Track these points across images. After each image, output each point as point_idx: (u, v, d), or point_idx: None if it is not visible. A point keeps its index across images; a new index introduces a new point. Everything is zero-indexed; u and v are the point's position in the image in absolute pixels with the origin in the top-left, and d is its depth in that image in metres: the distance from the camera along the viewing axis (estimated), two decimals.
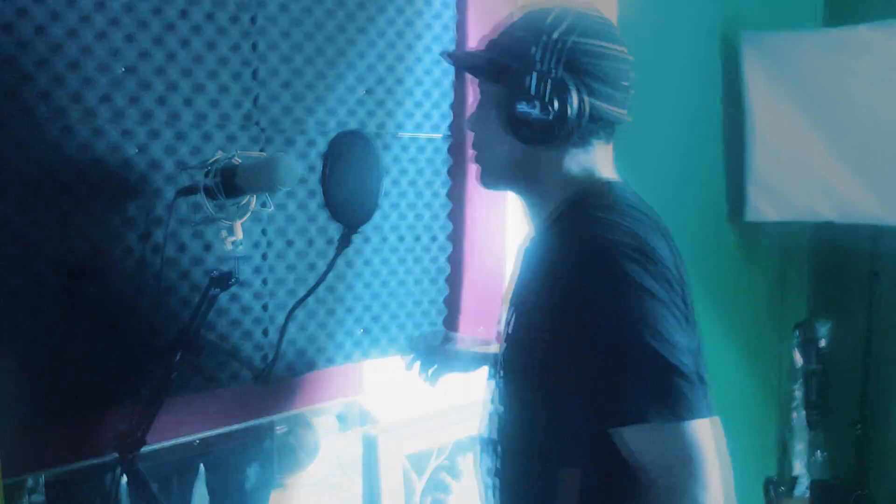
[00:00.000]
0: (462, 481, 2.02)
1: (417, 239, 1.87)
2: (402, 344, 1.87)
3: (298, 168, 1.37)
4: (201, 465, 1.95)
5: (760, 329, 3.00)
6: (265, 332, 1.64)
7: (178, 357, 1.42)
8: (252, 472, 2.01)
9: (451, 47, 1.87)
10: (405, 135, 1.81)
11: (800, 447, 2.93)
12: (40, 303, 1.34)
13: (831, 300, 3.04)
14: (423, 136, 1.85)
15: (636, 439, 0.95)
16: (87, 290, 1.38)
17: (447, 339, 1.49)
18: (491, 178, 1.19)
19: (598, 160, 1.12)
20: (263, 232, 1.61)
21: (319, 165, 1.64)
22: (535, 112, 1.04)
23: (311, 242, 1.68)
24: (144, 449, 1.40)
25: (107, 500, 1.61)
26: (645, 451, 0.94)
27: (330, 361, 1.75)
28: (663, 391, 0.93)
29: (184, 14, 1.46)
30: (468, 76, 1.82)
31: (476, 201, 1.94)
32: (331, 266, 1.35)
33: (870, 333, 2.79)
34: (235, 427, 1.70)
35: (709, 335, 1.19)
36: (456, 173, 1.92)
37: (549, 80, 1.03)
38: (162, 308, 1.48)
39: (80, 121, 1.36)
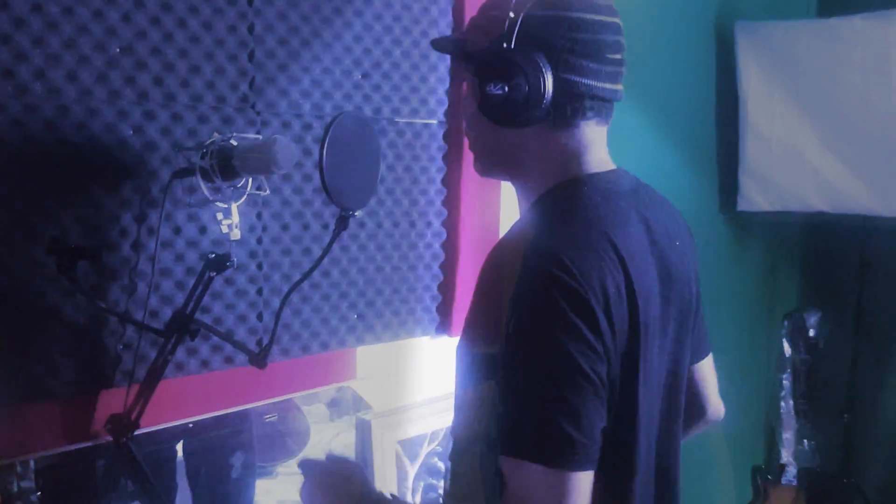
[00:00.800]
0: None
1: (413, 225, 1.87)
2: (397, 330, 1.87)
3: (295, 151, 1.36)
4: (189, 447, 1.96)
5: (751, 318, 3.03)
6: (260, 317, 1.64)
7: (173, 340, 1.42)
8: (236, 460, 2.02)
9: (448, 32, 1.87)
10: (401, 120, 1.81)
11: (788, 436, 2.95)
12: (35, 284, 1.33)
13: (821, 290, 3.06)
14: (419, 121, 1.85)
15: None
16: (83, 272, 1.37)
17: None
18: (481, 165, 1.17)
19: (588, 144, 1.06)
20: (259, 216, 1.61)
21: (315, 149, 1.63)
22: (501, 92, 0.98)
23: (306, 226, 1.68)
24: (137, 432, 1.40)
25: (100, 482, 1.61)
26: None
27: (324, 346, 1.75)
28: (551, 436, 0.91)
29: None
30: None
31: (471, 188, 1.94)
32: (327, 249, 1.35)
33: (859, 324, 2.82)
34: (228, 411, 1.70)
35: None
36: (451, 159, 1.92)
37: (514, 57, 0.98)
38: (157, 290, 1.47)
39: (75, 100, 1.35)
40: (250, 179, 1.45)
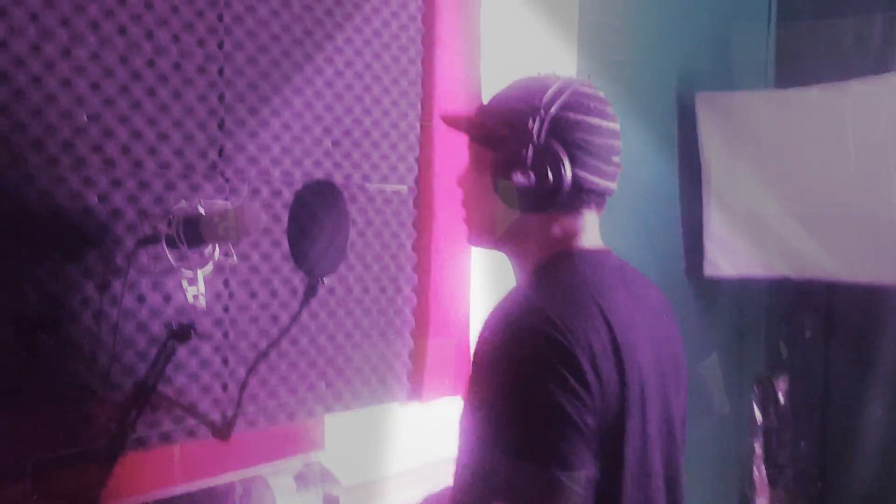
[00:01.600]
0: None
1: (383, 290, 1.86)
2: (366, 399, 1.83)
3: (263, 217, 1.35)
4: None
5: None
6: (225, 387, 1.59)
7: (134, 413, 1.37)
8: None
9: (417, 103, 1.89)
10: (371, 186, 1.82)
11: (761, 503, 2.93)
12: None
13: (789, 355, 3.08)
14: (389, 188, 1.85)
15: None
16: (43, 343, 1.33)
17: None
18: (478, 238, 1.23)
19: (584, 227, 1.16)
20: (226, 283, 1.58)
21: (284, 216, 1.63)
22: (527, 182, 1.08)
23: (274, 293, 1.65)
24: None
25: None
26: None
27: (291, 417, 1.70)
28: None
29: (151, 63, 1.45)
30: (441, 132, 1.86)
31: (442, 254, 1.94)
32: (296, 318, 1.34)
33: (828, 388, 2.84)
34: (193, 489, 1.63)
35: None
36: (422, 226, 1.92)
37: (543, 153, 1.08)
38: (118, 361, 1.43)
39: (40, 168, 1.33)
40: (217, 246, 1.43)
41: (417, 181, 1.91)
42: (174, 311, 1.49)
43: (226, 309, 1.59)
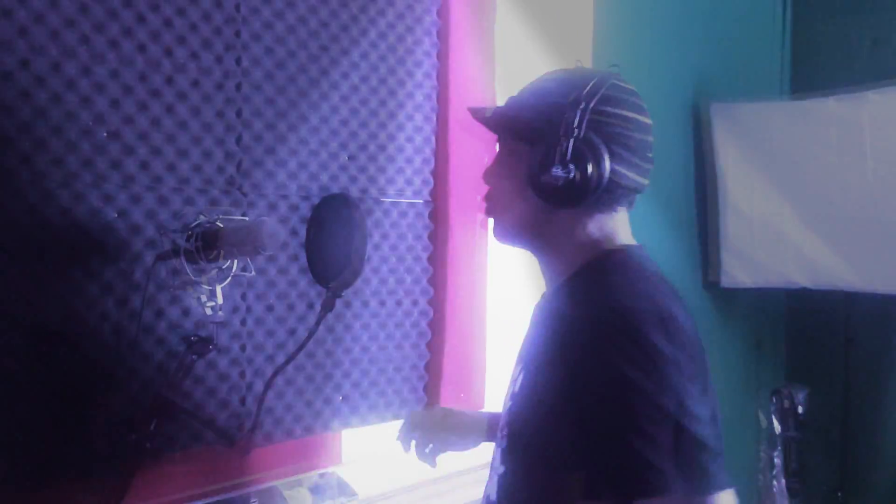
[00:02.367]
0: None
1: (399, 304, 1.86)
2: (383, 412, 1.83)
3: (281, 232, 1.36)
4: None
5: (737, 396, 3.00)
6: (242, 401, 1.60)
7: (152, 426, 1.38)
8: None
9: (433, 116, 1.90)
10: (387, 199, 1.82)
11: None
12: (13, 369, 1.30)
13: (807, 366, 3.05)
14: (405, 200, 1.86)
15: None
16: (62, 358, 1.34)
17: (446, 415, 1.45)
18: (507, 234, 1.18)
19: (619, 226, 1.13)
20: (243, 297, 1.59)
21: (302, 230, 1.64)
22: (567, 176, 1.05)
23: (291, 307, 1.66)
24: None
25: None
26: None
27: (308, 430, 1.71)
28: (689, 465, 0.92)
29: (169, 80, 1.47)
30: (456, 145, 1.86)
31: (458, 266, 1.94)
32: (313, 332, 1.34)
33: (847, 399, 2.81)
34: (210, 501, 1.64)
35: None
36: (438, 238, 1.92)
37: (584, 147, 1.05)
38: (137, 375, 1.44)
39: (60, 185, 1.35)
40: (235, 261, 1.44)
41: (433, 194, 1.91)
42: (192, 325, 1.50)
43: (243, 322, 1.60)
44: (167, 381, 1.41)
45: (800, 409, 2.90)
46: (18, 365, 1.30)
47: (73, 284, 1.37)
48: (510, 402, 1.12)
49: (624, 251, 1.11)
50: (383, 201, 1.82)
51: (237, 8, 1.56)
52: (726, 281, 2.72)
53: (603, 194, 1.08)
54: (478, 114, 1.18)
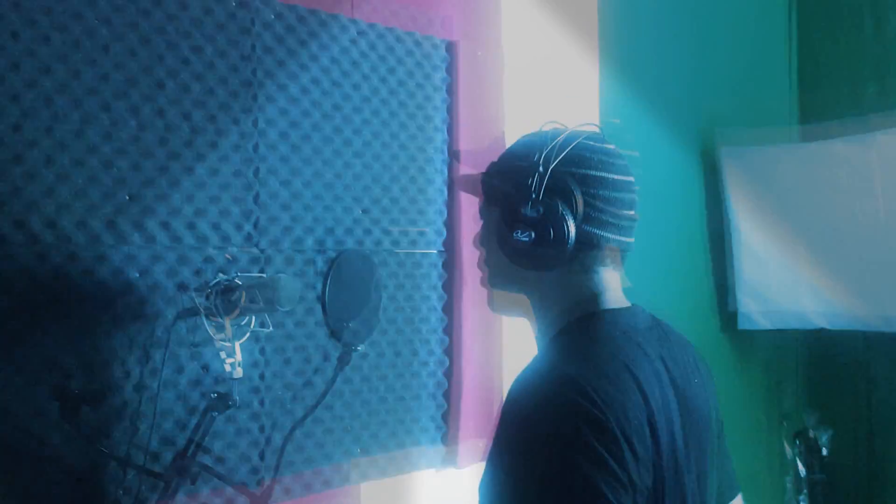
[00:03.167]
0: None
1: (415, 354, 1.88)
2: (401, 464, 1.83)
3: (297, 288, 1.39)
4: None
5: (760, 439, 2.97)
6: (262, 455, 1.61)
7: (173, 484, 1.39)
8: None
9: (444, 169, 1.94)
10: (401, 251, 1.85)
11: None
12: (36, 429, 1.32)
13: (829, 407, 3.02)
14: (418, 252, 1.89)
15: None
16: (85, 414, 1.36)
17: None
18: (495, 304, 1.20)
19: (605, 286, 1.10)
20: (261, 351, 1.62)
21: (318, 284, 1.67)
22: (528, 239, 1.05)
23: (308, 360, 1.68)
24: None
25: None
26: None
27: (327, 484, 1.71)
28: None
29: (189, 144, 1.51)
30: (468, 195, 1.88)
31: (472, 315, 1.95)
32: (330, 385, 1.36)
33: (871, 440, 2.77)
34: None
35: None
36: (451, 288, 1.95)
37: (544, 209, 1.04)
38: (158, 431, 1.46)
39: (84, 247, 1.39)
40: (254, 316, 1.47)
41: (446, 244, 1.94)
42: (212, 380, 1.52)
43: (262, 377, 1.62)
44: (188, 437, 1.43)
45: (824, 451, 2.86)
46: (43, 424, 1.33)
47: (95, 342, 1.40)
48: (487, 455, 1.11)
49: (594, 317, 1.08)
50: (397, 253, 1.85)
51: (253, 73, 1.61)
52: (744, 324, 2.72)
53: (576, 254, 1.07)
54: (460, 183, 1.20)
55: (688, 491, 1.07)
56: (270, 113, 1.64)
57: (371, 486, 1.81)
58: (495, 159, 1.17)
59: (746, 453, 2.84)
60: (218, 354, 1.45)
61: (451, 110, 1.96)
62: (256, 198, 1.61)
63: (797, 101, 3.01)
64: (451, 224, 1.95)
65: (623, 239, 1.10)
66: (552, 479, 0.92)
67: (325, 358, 1.70)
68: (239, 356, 1.45)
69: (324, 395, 1.36)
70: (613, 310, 1.10)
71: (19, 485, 1.31)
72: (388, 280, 1.83)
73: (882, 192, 2.39)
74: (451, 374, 1.94)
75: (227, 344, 1.45)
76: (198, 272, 1.52)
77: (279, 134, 1.65)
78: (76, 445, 1.36)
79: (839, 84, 2.87)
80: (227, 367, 1.45)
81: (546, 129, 1.14)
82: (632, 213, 1.10)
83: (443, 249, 1.94)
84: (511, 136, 2.03)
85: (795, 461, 2.88)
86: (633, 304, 1.15)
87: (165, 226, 1.49)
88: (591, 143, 1.09)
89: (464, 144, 1.95)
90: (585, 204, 1.06)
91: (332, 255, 1.70)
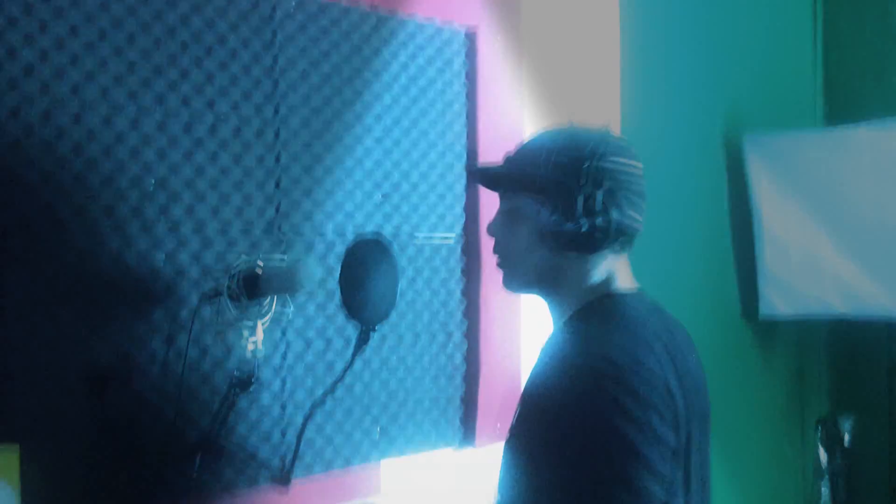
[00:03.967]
0: None
1: (433, 337, 1.91)
2: (420, 443, 1.87)
3: (318, 271, 1.42)
4: None
5: (782, 427, 2.96)
6: (283, 434, 1.66)
7: (197, 462, 1.44)
8: None
9: (463, 154, 1.97)
10: (421, 236, 1.88)
11: None
12: (65, 408, 1.38)
13: (852, 395, 3.00)
14: (437, 237, 1.92)
15: None
16: (112, 396, 1.41)
17: None
18: (517, 284, 1.27)
19: (618, 268, 1.21)
20: (283, 333, 1.66)
21: (338, 268, 1.70)
22: (578, 228, 1.13)
23: (329, 342, 1.72)
24: None
25: None
26: None
27: (347, 462, 1.76)
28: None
29: (212, 131, 1.55)
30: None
31: (491, 299, 1.98)
32: (349, 365, 1.39)
33: (893, 428, 2.75)
34: None
35: (729, 434, 1.20)
36: (470, 272, 1.97)
37: (595, 199, 1.13)
38: (183, 411, 1.51)
39: (111, 233, 1.43)
40: (275, 298, 1.51)
41: (465, 229, 1.97)
42: (235, 361, 1.57)
43: (284, 358, 1.66)
44: (212, 418, 1.48)
45: (846, 439, 2.85)
46: (71, 406, 1.38)
47: (122, 325, 1.44)
48: (508, 435, 1.18)
49: (613, 298, 1.18)
50: (417, 237, 1.88)
51: (275, 61, 1.64)
52: (765, 311, 2.71)
53: (608, 241, 1.15)
54: (477, 175, 1.25)
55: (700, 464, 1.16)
56: (292, 100, 1.67)
57: (390, 464, 1.85)
58: (516, 153, 1.24)
59: (768, 439, 2.84)
60: (241, 335, 1.49)
61: (470, 97, 1.98)
62: (278, 183, 1.65)
63: (822, 90, 2.99)
64: (469, 209, 1.98)
65: (640, 225, 1.19)
66: (594, 451, 1.01)
67: (346, 341, 1.74)
68: (261, 336, 1.49)
69: (343, 374, 1.40)
70: (624, 293, 1.20)
71: (45, 465, 1.34)
72: (408, 265, 1.86)
73: None
74: (469, 356, 1.98)
75: (250, 324, 1.49)
76: (221, 256, 1.56)
77: (301, 121, 1.68)
78: (101, 425, 1.41)
79: (865, 75, 2.83)
80: (250, 347, 1.49)
81: (564, 126, 1.22)
82: (643, 201, 1.19)
83: (461, 234, 1.97)
84: (530, 124, 2.06)
85: (817, 448, 2.87)
86: (639, 289, 1.23)
87: (189, 211, 1.53)
88: (616, 138, 1.19)
89: (482, 130, 1.97)
90: (622, 191, 1.15)
91: (351, 241, 1.73)
